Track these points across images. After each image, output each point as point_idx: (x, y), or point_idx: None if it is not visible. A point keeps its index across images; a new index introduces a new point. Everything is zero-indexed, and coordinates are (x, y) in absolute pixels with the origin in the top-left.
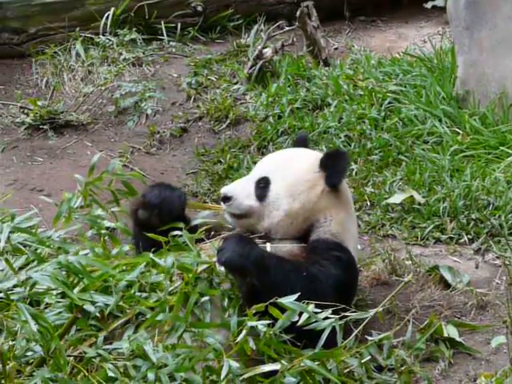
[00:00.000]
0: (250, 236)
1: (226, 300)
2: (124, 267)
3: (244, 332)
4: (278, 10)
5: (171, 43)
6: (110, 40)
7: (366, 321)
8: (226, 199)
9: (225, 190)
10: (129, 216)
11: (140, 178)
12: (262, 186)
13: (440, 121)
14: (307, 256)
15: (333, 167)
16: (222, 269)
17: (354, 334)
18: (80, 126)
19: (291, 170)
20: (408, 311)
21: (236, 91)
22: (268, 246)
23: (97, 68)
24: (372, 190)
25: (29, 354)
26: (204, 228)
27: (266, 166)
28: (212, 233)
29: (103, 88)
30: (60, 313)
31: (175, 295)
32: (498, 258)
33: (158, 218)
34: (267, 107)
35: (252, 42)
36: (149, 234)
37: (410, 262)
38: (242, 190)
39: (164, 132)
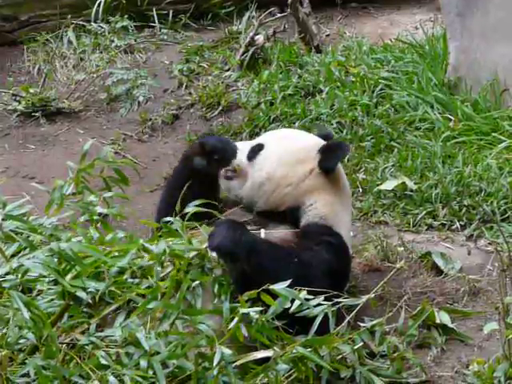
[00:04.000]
0: (242, 221)
1: (218, 286)
2: (116, 253)
3: (236, 319)
4: None
5: (163, 30)
6: (101, 27)
7: (359, 307)
8: None
9: None
10: (182, 162)
11: (132, 165)
12: (256, 149)
13: (432, 107)
14: (299, 241)
15: (330, 153)
16: (214, 254)
17: (346, 321)
18: (72, 114)
19: (287, 143)
20: (400, 298)
21: (228, 78)
22: (262, 232)
23: (89, 55)
24: (364, 177)
25: (21, 341)
26: (192, 211)
27: (267, 136)
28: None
29: (95, 75)
30: (52, 300)
31: (167, 281)
32: (490, 244)
33: (217, 163)
34: (259, 94)
35: (244, 29)
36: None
37: (402, 248)
38: (238, 146)
39: (156, 119)
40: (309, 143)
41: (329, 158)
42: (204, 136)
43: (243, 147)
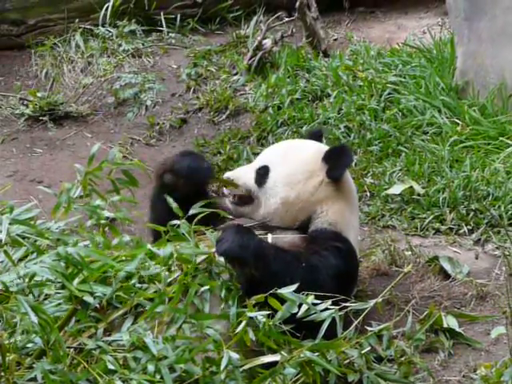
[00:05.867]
0: (250, 226)
1: (226, 291)
2: (123, 258)
3: (243, 323)
4: (277, 1)
5: (170, 34)
6: (109, 31)
7: (366, 311)
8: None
9: (227, 174)
10: (154, 178)
11: (140, 166)
12: (262, 173)
13: (439, 111)
14: (307, 246)
15: (335, 161)
16: (222, 259)
17: (353, 325)
18: (80, 118)
19: (292, 160)
20: (408, 302)
21: (235, 82)
22: (270, 237)
23: (96, 59)
24: (372, 181)
25: (29, 345)
26: (201, 216)
27: (268, 155)
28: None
29: (103, 79)
30: (59, 304)
31: (174, 286)
32: (497, 248)
33: (184, 186)
34: (267, 98)
35: (251, 33)
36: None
37: (409, 252)
38: (243, 173)
39: (164, 123)
40: (311, 152)
41: (336, 167)
42: (181, 154)
43: (247, 171)
